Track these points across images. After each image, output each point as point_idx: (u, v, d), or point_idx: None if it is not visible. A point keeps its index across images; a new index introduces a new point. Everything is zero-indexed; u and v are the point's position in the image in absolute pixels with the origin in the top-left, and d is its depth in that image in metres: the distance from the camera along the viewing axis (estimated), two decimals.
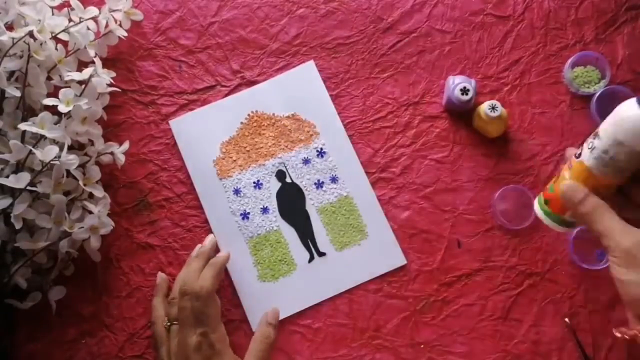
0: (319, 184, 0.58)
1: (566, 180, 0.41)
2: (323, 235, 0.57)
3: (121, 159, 0.56)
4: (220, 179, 0.58)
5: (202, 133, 0.58)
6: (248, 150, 0.58)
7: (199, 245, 0.55)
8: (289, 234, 0.57)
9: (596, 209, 0.39)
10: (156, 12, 0.61)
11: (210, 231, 0.57)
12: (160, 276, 0.56)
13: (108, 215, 0.54)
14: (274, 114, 0.59)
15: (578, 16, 0.60)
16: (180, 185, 0.58)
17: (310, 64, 0.60)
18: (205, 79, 0.60)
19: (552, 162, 0.58)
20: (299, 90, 0.59)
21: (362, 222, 0.57)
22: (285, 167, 0.58)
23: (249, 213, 0.57)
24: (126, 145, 0.56)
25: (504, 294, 0.56)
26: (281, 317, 0.55)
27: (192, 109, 0.60)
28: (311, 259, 0.57)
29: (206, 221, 0.58)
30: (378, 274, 0.56)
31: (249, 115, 0.59)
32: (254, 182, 0.58)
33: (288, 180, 0.58)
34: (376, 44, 0.60)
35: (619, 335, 0.39)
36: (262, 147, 0.58)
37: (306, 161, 0.58)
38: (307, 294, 0.56)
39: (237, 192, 0.58)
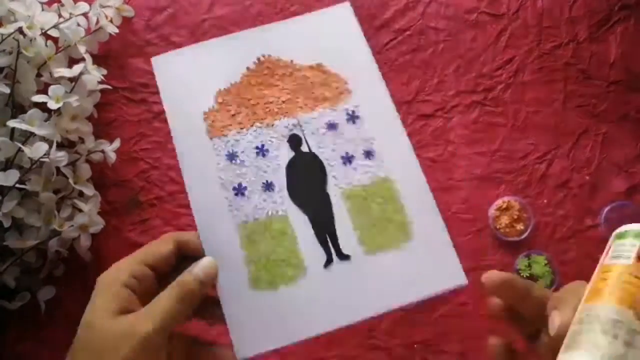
0: (348, 159, 0.43)
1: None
2: (348, 230, 0.41)
3: (112, 157, 0.55)
4: (211, 137, 0.43)
5: (192, 76, 0.44)
6: (253, 104, 0.44)
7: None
8: (300, 223, 0.41)
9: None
10: (148, 9, 0.61)
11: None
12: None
13: (98, 213, 0.54)
14: (292, 62, 0.45)
15: (572, 15, 0.60)
16: (171, 183, 0.58)
17: (346, 6, 0.47)
18: None
19: (545, 161, 0.58)
20: (328, 35, 0.46)
21: (407, 217, 0.41)
22: (302, 131, 0.44)
23: (245, 188, 0.42)
24: (117, 143, 0.56)
25: None
26: (278, 345, 0.39)
27: None
28: (328, 262, 0.40)
29: None
30: (424, 294, 0.39)
31: (258, 59, 0.45)
32: (257, 147, 0.43)
33: (304, 149, 0.43)
34: (370, 42, 0.60)
35: None
36: (272, 102, 0.44)
37: (332, 126, 0.44)
38: (318, 313, 0.39)
39: (231, 156, 0.43)
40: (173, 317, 0.34)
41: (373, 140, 0.43)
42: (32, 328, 0.55)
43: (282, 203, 0.42)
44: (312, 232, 0.41)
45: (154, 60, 0.45)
